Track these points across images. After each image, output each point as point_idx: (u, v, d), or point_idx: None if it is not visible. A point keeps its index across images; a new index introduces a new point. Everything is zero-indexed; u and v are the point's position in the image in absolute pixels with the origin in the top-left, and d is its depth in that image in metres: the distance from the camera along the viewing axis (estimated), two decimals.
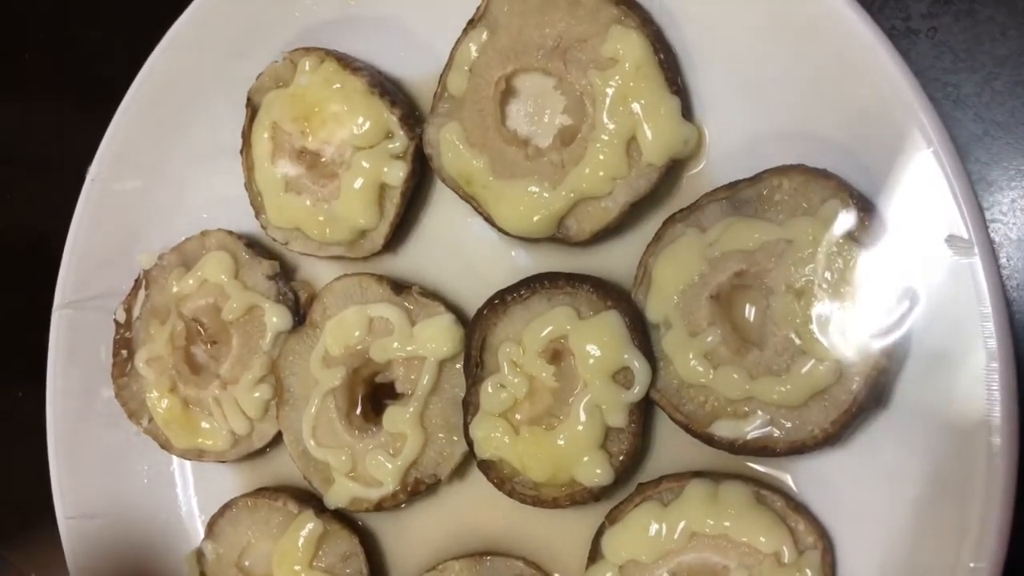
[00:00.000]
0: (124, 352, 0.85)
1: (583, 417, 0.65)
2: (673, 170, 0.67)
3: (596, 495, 0.67)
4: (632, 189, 0.66)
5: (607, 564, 0.65)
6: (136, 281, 0.85)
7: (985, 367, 0.53)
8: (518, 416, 0.68)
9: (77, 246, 0.86)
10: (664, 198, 0.69)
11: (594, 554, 0.66)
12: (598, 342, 0.65)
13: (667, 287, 0.64)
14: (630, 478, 0.68)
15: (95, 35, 1.03)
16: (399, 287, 0.76)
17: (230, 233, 0.83)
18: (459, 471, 0.74)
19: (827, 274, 0.57)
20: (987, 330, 0.53)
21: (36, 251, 1.00)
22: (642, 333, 0.66)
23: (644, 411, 0.66)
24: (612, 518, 0.66)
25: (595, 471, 0.65)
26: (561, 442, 0.66)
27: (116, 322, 0.85)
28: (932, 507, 0.56)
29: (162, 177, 0.86)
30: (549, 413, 0.68)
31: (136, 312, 0.85)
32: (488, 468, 0.70)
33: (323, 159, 0.78)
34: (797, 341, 0.58)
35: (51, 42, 1.05)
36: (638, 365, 0.65)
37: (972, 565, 0.53)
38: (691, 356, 0.62)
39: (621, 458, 0.66)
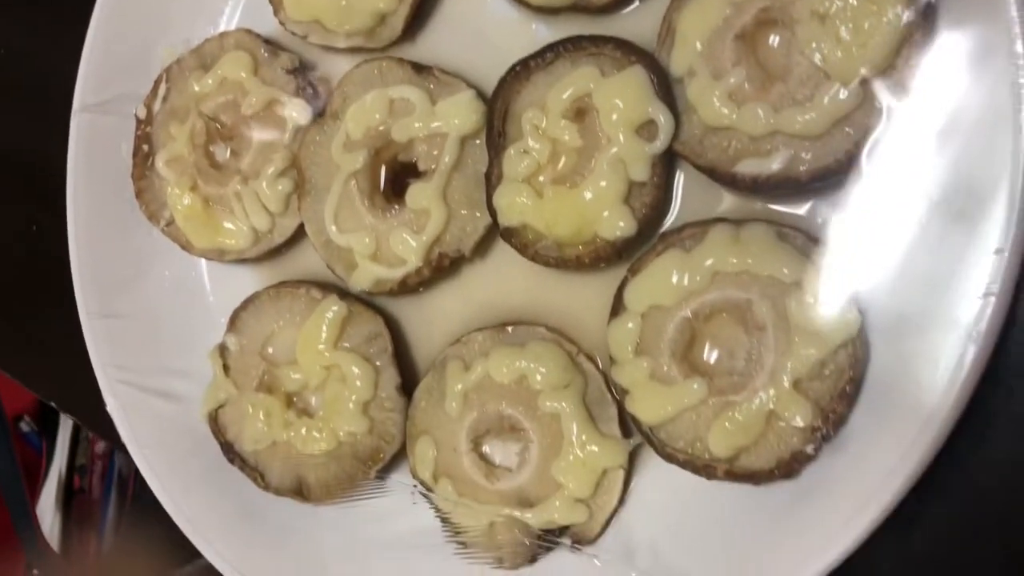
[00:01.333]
0: (145, 147, 0.85)
1: (606, 172, 0.66)
2: None
3: (619, 250, 0.68)
4: None
5: (630, 315, 0.66)
6: (156, 80, 0.85)
7: (1011, 70, 0.54)
8: (541, 179, 0.69)
9: (96, 49, 0.86)
10: None
11: (616, 308, 0.68)
12: (622, 96, 0.66)
13: (691, 36, 0.65)
14: (652, 233, 0.69)
15: None
16: (420, 68, 0.76)
17: (248, 32, 0.83)
18: (480, 250, 0.76)
19: None
20: (1012, 33, 0.54)
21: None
22: (666, 88, 0.66)
23: (667, 167, 0.67)
24: (634, 269, 0.67)
25: (618, 223, 0.67)
26: (585, 196, 0.67)
27: (137, 118, 0.85)
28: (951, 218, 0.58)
29: None
30: (574, 171, 0.68)
31: (156, 109, 0.85)
32: (511, 235, 0.71)
33: None
34: (820, 63, 0.59)
35: None
36: (662, 117, 0.65)
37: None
38: (715, 98, 0.63)
39: (644, 211, 0.67)
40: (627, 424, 0.69)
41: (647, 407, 0.65)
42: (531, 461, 0.70)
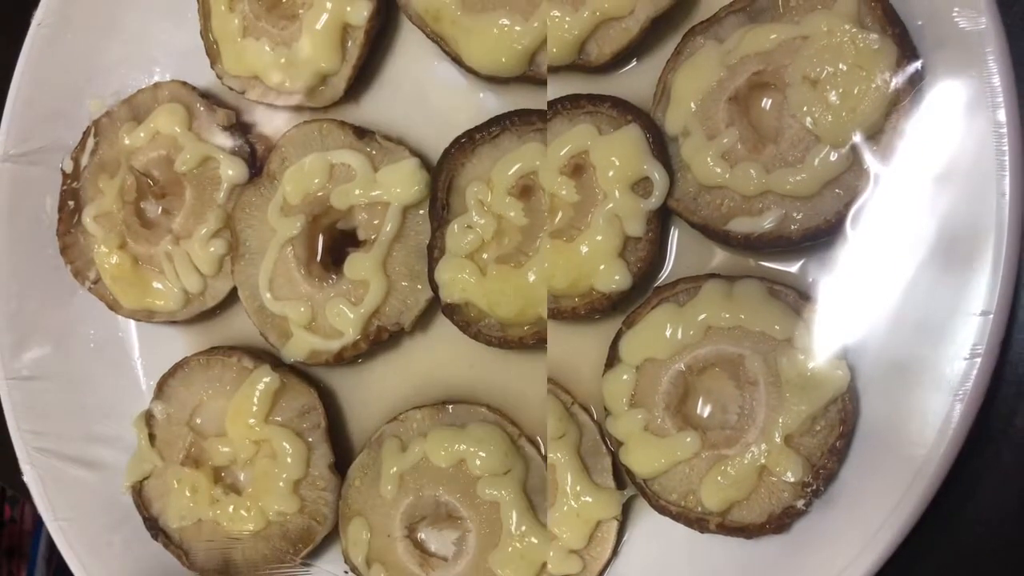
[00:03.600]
0: (71, 203, 0.81)
1: (602, 226, 0.65)
2: None
3: (614, 302, 0.66)
4: (654, 5, 0.65)
5: (624, 367, 0.65)
6: (84, 132, 0.81)
7: (995, 138, 0.55)
8: (484, 256, 0.67)
9: (21, 96, 0.81)
10: (682, 20, 0.68)
11: (611, 360, 0.67)
12: (618, 154, 0.65)
13: (686, 97, 0.65)
14: (647, 287, 0.68)
15: None
16: (362, 132, 0.73)
17: (184, 84, 0.80)
18: (421, 323, 0.73)
19: (841, 63, 0.58)
20: (995, 102, 0.55)
21: None
22: (661, 146, 0.65)
23: (661, 222, 0.66)
24: (629, 322, 0.66)
25: (614, 276, 0.65)
26: (582, 250, 0.65)
27: (63, 172, 0.81)
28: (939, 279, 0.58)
29: (112, 26, 0.82)
30: (518, 251, 0.66)
31: (84, 162, 0.81)
32: (453, 312, 0.68)
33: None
34: (811, 126, 0.59)
35: None
36: (657, 175, 0.64)
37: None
38: (709, 158, 0.63)
39: (639, 265, 0.66)
40: (621, 475, 0.68)
41: (641, 459, 0.65)
42: (468, 551, 0.67)
